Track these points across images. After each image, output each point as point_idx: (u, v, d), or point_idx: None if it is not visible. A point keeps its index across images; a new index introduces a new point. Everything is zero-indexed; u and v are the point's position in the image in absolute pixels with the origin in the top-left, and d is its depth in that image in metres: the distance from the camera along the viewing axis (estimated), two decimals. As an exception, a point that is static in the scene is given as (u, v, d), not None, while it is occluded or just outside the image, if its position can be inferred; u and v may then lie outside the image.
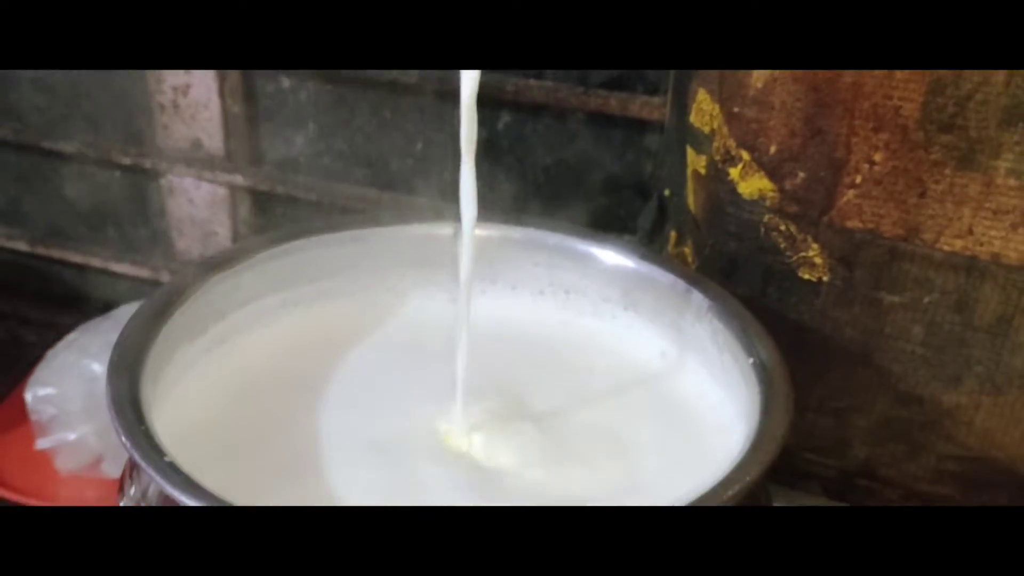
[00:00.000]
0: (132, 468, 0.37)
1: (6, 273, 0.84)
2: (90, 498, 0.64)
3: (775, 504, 0.42)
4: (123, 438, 0.33)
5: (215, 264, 0.43)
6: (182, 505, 0.31)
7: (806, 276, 0.53)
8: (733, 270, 0.55)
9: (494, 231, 0.49)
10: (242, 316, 0.45)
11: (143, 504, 0.36)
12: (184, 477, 0.32)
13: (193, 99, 0.70)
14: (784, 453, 0.39)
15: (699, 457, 0.40)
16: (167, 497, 0.33)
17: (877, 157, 0.49)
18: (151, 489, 0.35)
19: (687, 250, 0.57)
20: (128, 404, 0.34)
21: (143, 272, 0.79)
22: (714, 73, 0.52)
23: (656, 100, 0.61)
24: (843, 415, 0.57)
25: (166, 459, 0.32)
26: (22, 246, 0.81)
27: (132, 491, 0.36)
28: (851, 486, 0.58)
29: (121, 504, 0.37)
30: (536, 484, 0.40)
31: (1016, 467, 0.55)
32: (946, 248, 0.50)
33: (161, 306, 0.40)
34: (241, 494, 0.32)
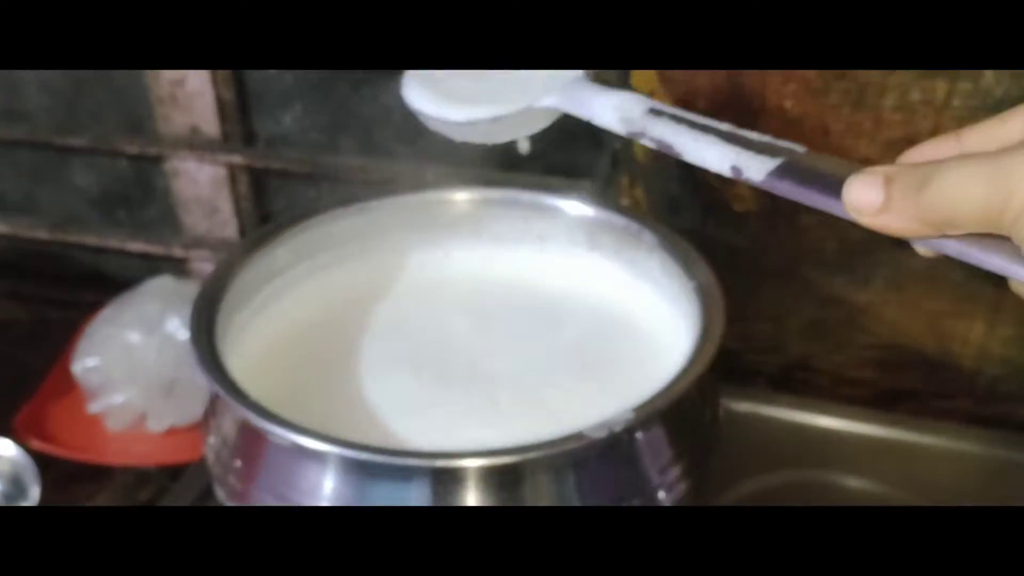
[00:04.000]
0: (214, 405, 0.48)
1: (28, 260, 0.90)
2: (138, 451, 0.72)
3: (724, 398, 0.51)
4: (215, 387, 0.43)
5: (254, 242, 0.52)
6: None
7: (737, 208, 0.63)
8: (678, 208, 0.64)
9: (478, 194, 0.58)
10: (277, 283, 0.54)
11: (225, 430, 0.46)
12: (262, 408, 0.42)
13: (189, 90, 0.77)
14: (731, 355, 0.48)
15: (655, 362, 0.49)
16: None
17: (787, 104, 0.59)
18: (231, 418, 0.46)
19: (638, 192, 0.67)
20: (213, 364, 0.44)
21: (155, 249, 0.85)
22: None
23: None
24: (778, 320, 0.67)
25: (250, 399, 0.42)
26: (41, 234, 0.87)
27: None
28: (790, 378, 0.69)
29: (210, 439, 0.47)
30: (515, 391, 0.49)
31: (923, 350, 0.66)
32: (849, 176, 0.60)
33: (219, 281, 0.49)
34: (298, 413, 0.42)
